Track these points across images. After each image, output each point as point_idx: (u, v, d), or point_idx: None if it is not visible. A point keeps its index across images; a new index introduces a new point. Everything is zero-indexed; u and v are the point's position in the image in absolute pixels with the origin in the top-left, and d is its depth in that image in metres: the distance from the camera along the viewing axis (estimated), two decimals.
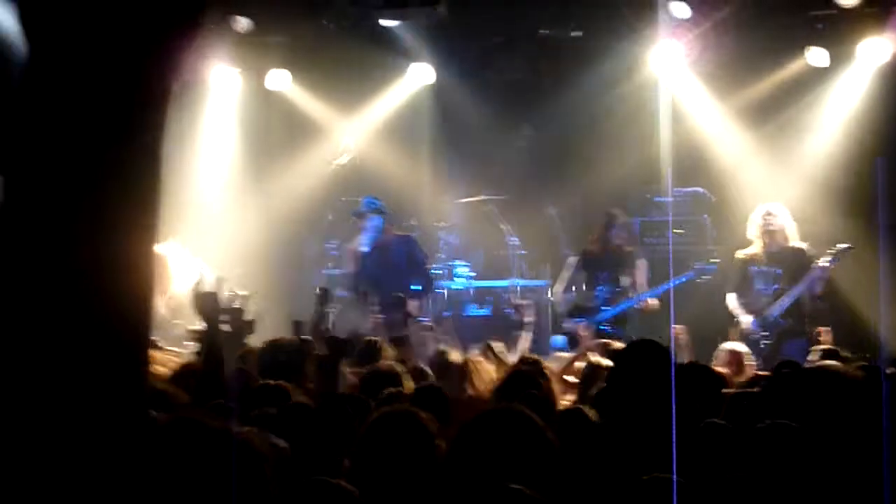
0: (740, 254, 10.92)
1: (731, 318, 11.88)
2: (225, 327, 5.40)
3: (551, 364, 7.02)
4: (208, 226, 12.91)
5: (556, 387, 6.20)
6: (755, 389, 6.10)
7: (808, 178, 12.25)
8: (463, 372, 6.57)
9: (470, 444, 3.58)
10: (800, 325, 10.61)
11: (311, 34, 13.24)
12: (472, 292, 13.48)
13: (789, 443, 4.25)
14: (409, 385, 5.90)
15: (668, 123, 11.75)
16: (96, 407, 1.86)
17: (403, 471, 3.84)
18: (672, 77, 12.79)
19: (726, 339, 10.94)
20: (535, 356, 6.97)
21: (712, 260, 11.34)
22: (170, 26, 1.89)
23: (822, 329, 9.32)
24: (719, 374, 5.94)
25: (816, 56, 12.45)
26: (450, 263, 13.45)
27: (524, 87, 13.86)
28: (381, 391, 5.55)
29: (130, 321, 1.90)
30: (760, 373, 7.05)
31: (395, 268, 11.12)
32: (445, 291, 13.15)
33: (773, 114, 12.77)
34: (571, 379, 6.82)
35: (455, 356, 7.07)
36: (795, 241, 10.77)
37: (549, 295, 12.44)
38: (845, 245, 10.54)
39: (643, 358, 4.53)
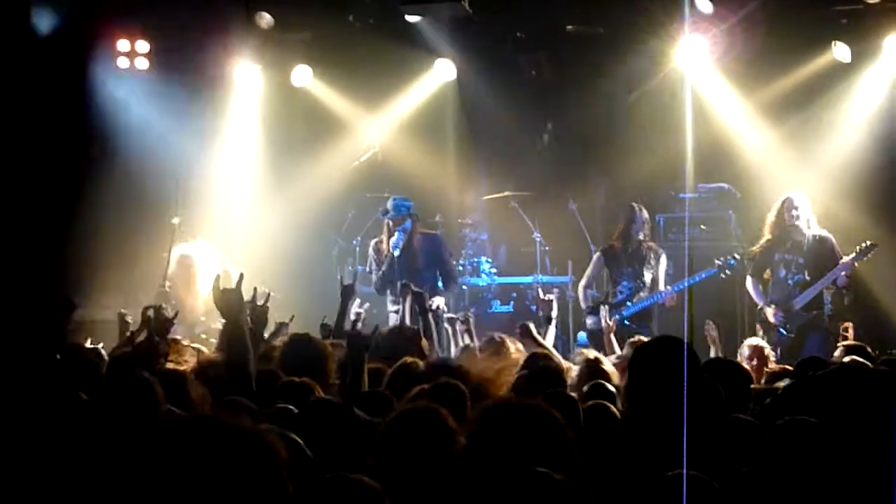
0: (763, 239, 10.90)
1: (752, 314, 11.87)
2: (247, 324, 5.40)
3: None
4: (233, 223, 12.96)
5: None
6: (779, 385, 6.11)
7: (833, 174, 12.19)
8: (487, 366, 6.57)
9: (487, 437, 3.59)
10: (822, 318, 10.56)
11: (334, 30, 13.26)
12: (495, 288, 13.49)
13: (812, 439, 4.23)
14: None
15: (692, 120, 11.71)
16: None
17: (424, 467, 3.85)
18: (697, 73, 12.75)
19: (748, 334, 10.94)
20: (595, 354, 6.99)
21: (735, 255, 11.29)
22: None
23: (846, 324, 9.28)
24: (746, 369, 5.93)
25: (842, 51, 12.40)
26: (474, 260, 13.45)
27: (548, 83, 13.83)
28: (408, 388, 5.56)
29: None
30: (781, 367, 7.02)
31: (422, 267, 11.11)
32: (469, 288, 13.15)
33: (798, 109, 12.71)
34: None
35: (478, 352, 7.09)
36: (818, 230, 10.71)
37: (572, 291, 12.44)
38: (871, 243, 10.50)
39: (664, 354, 4.51)
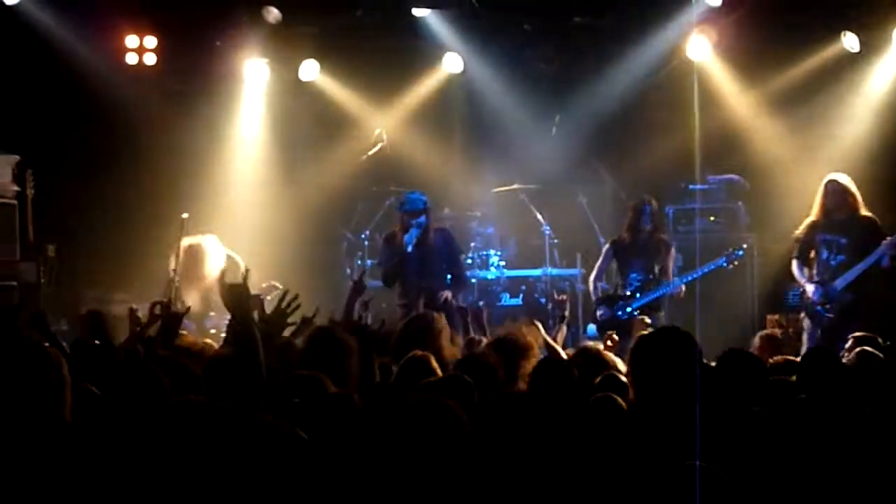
0: (807, 220, 10.72)
1: (763, 305, 11.84)
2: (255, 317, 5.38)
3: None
4: (241, 218, 12.96)
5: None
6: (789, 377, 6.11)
7: (843, 164, 12.14)
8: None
9: (494, 428, 3.60)
10: (864, 301, 10.31)
11: (342, 25, 13.27)
12: (504, 281, 13.48)
13: (821, 430, 4.24)
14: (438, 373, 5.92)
15: (701, 111, 11.68)
16: None
17: (434, 458, 3.85)
18: (706, 64, 12.74)
19: (758, 325, 10.90)
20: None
21: (744, 246, 11.27)
22: None
23: None
24: (760, 360, 5.92)
25: (851, 41, 12.38)
26: (483, 253, 13.44)
27: (557, 76, 13.83)
28: (417, 380, 5.57)
29: None
30: (783, 358, 7.01)
31: (435, 264, 11.03)
32: (478, 281, 13.14)
33: (807, 100, 12.69)
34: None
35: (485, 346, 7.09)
36: (864, 211, 10.53)
37: (582, 283, 12.43)
38: None
39: (669, 345, 4.51)
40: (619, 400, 5.20)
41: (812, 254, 10.65)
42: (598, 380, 5.85)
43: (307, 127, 13.91)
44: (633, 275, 11.21)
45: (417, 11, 13.07)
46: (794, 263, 10.76)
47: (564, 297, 9.01)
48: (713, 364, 5.56)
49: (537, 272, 13.38)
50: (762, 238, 12.51)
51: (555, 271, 13.18)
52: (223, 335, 9.23)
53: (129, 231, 12.66)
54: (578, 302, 12.55)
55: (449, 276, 11.04)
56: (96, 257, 12.67)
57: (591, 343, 7.36)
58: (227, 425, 2.44)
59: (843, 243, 10.46)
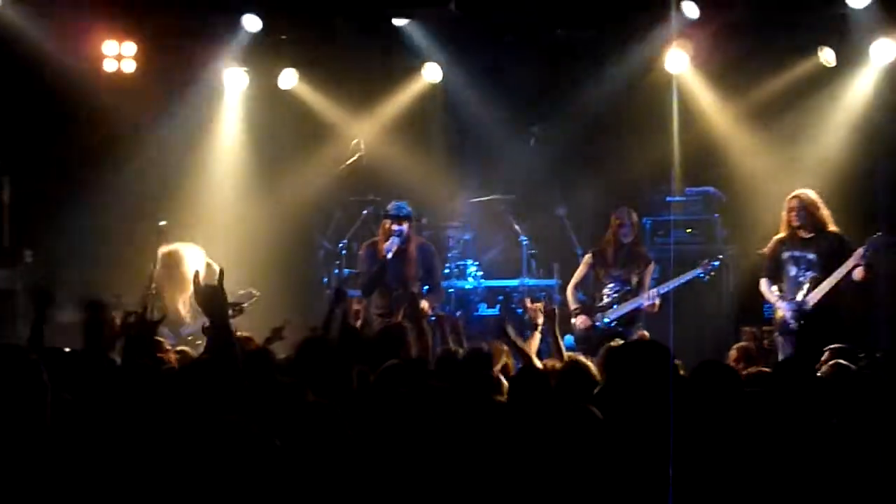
0: (774, 238, 10.76)
1: (740, 316, 11.87)
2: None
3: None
4: (219, 226, 12.94)
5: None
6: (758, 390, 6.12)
7: (819, 177, 12.20)
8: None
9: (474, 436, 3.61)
10: (836, 315, 10.32)
11: (321, 33, 13.27)
12: (482, 291, 13.48)
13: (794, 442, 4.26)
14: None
15: (679, 123, 11.73)
16: None
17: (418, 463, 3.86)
18: (684, 77, 12.79)
19: (733, 338, 10.92)
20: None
21: (720, 258, 11.31)
22: None
23: None
24: (735, 371, 5.93)
25: (828, 56, 12.46)
26: (461, 263, 13.44)
27: (536, 87, 13.87)
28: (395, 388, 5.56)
29: None
30: (757, 369, 7.04)
31: (413, 275, 11.02)
32: (455, 291, 13.14)
33: (785, 113, 12.76)
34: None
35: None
36: (832, 226, 10.57)
37: (559, 294, 12.44)
38: (879, 234, 10.36)
39: (644, 358, 4.52)
40: (596, 411, 5.20)
41: (781, 271, 10.68)
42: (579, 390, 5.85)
43: (286, 135, 13.90)
44: (612, 285, 11.24)
45: (397, 21, 13.09)
46: (763, 282, 10.79)
47: (538, 306, 9.02)
48: (687, 375, 5.58)
49: (515, 282, 13.39)
50: (739, 250, 12.56)
51: (532, 281, 13.19)
52: (199, 342, 9.22)
53: (106, 238, 12.63)
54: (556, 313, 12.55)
55: (425, 287, 11.05)
56: (73, 264, 12.62)
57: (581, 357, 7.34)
58: (197, 426, 2.44)
59: (811, 259, 10.50)
